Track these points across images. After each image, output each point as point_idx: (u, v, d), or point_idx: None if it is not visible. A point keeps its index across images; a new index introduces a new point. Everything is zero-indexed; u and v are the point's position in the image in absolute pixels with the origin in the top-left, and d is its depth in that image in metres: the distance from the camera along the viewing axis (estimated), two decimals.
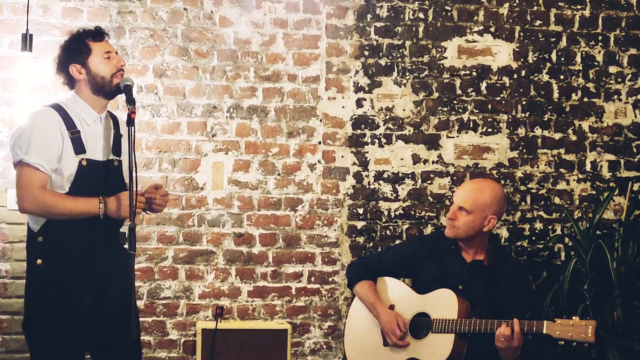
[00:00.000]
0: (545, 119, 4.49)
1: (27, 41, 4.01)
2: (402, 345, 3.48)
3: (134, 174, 2.92)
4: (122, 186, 3.17)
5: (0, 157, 4.18)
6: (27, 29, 4.03)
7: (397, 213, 4.42)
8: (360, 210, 4.40)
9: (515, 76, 4.48)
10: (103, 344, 3.14)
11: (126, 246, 2.97)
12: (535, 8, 4.49)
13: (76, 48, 3.09)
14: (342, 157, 4.40)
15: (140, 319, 4.15)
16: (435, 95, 4.45)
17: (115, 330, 3.06)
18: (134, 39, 4.28)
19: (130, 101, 3.02)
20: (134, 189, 2.92)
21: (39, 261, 3.05)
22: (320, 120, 4.40)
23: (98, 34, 3.13)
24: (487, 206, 3.45)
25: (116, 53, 3.18)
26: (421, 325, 3.49)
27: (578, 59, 4.51)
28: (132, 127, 2.97)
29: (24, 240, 4.12)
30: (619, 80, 4.52)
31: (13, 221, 4.18)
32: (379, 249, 4.29)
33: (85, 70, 3.10)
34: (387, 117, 4.42)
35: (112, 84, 3.10)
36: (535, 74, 4.49)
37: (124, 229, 3.09)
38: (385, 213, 4.41)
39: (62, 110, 3.08)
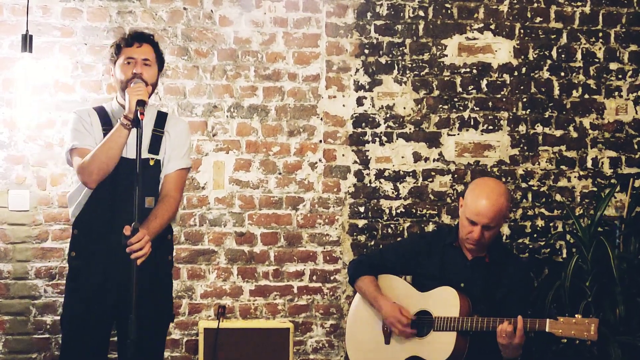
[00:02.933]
0: (546, 116, 4.49)
1: (27, 42, 4.02)
2: (409, 335, 3.46)
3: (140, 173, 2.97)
4: (155, 186, 3.24)
5: (1, 158, 4.18)
6: (27, 30, 4.03)
7: (398, 211, 4.41)
8: (362, 209, 4.40)
9: (516, 73, 4.47)
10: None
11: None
12: (535, 5, 4.48)
13: (111, 51, 3.27)
14: (343, 155, 4.40)
15: None
16: (436, 93, 4.45)
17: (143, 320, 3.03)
18: None
19: (140, 103, 3.06)
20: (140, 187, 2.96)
21: (72, 253, 3.20)
22: (321, 119, 4.40)
23: (127, 39, 3.23)
24: (505, 212, 3.44)
25: (145, 60, 3.21)
26: (423, 323, 3.48)
27: (578, 55, 4.50)
28: (140, 128, 3.00)
29: (25, 241, 4.19)
30: (620, 76, 4.52)
31: (15, 222, 4.18)
32: (380, 247, 4.30)
33: (114, 72, 3.25)
34: (388, 115, 4.42)
35: (126, 88, 3.15)
36: (536, 71, 4.48)
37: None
38: (387, 211, 4.41)
39: (102, 109, 3.29)
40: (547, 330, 3.18)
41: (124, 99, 3.19)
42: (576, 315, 3.17)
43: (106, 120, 3.24)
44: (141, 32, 3.31)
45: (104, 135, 3.16)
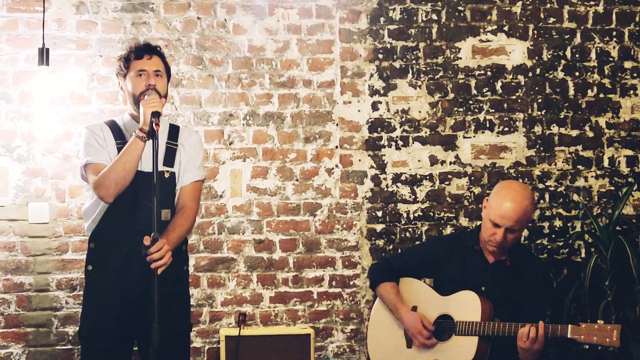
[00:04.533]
0: (562, 117, 4.48)
1: (43, 55, 4.04)
2: (429, 346, 3.48)
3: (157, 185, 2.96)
4: (171, 198, 3.25)
5: (20, 171, 4.20)
6: (44, 43, 4.05)
7: (416, 215, 4.42)
8: (379, 213, 4.41)
9: (530, 74, 4.47)
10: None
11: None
12: (548, 5, 4.48)
13: (120, 65, 3.26)
14: (360, 160, 4.41)
15: None
16: (451, 96, 4.45)
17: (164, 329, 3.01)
18: None
19: (155, 114, 3.07)
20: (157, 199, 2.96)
21: (89, 267, 3.22)
22: (337, 125, 4.40)
23: (136, 52, 3.23)
24: (530, 215, 3.45)
25: (156, 72, 3.21)
26: (444, 327, 3.50)
27: (593, 55, 4.50)
28: (156, 139, 3.01)
29: (46, 253, 4.21)
30: (635, 75, 4.51)
31: (35, 234, 4.21)
32: (401, 250, 4.30)
33: (125, 86, 3.24)
34: (403, 119, 4.43)
35: (139, 101, 3.16)
36: (550, 72, 4.48)
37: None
38: (404, 215, 4.42)
39: (113, 124, 3.28)
40: (569, 336, 3.18)
41: (136, 111, 3.19)
42: (598, 321, 3.17)
43: (119, 135, 3.24)
44: (148, 44, 3.30)
45: (118, 149, 3.17)
